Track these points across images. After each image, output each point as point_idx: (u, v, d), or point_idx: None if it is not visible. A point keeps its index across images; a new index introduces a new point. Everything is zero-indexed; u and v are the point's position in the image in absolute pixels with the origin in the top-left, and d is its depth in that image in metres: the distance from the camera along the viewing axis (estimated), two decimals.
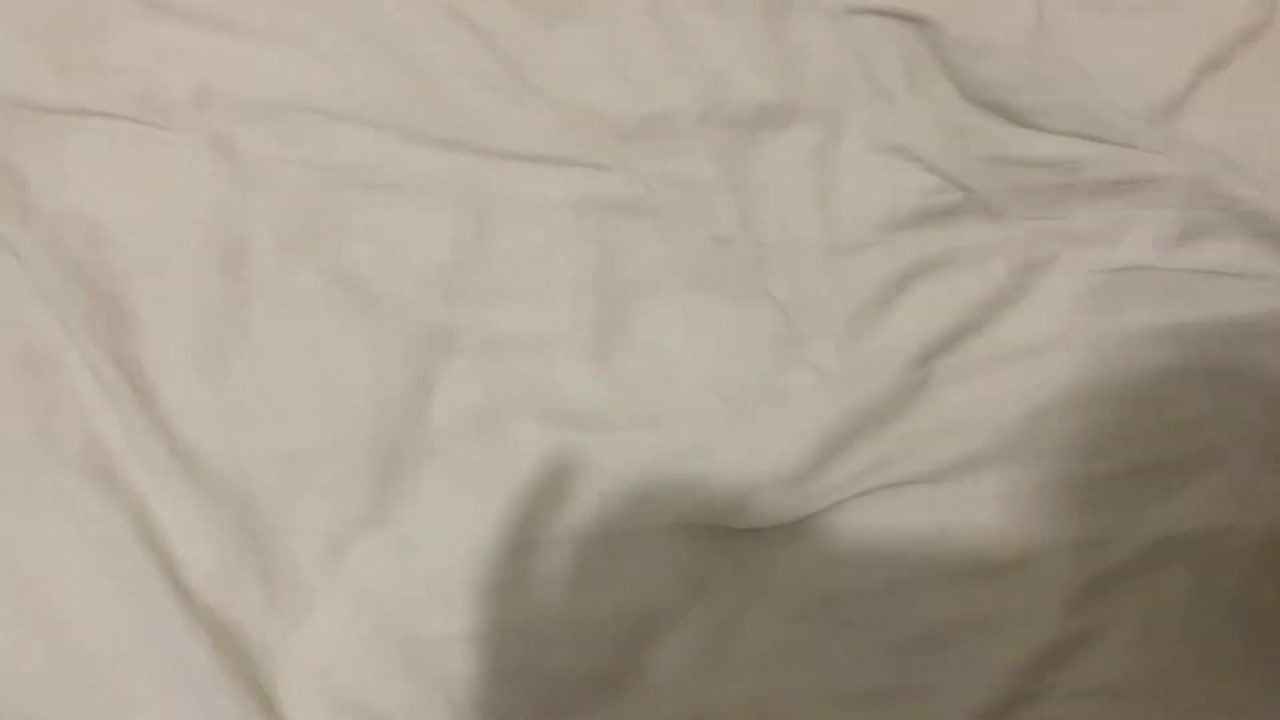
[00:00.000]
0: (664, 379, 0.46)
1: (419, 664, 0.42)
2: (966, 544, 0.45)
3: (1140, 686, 0.44)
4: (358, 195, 0.47)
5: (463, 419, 0.45)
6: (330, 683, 0.41)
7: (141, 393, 0.43)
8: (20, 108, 0.47)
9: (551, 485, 0.44)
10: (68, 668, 0.40)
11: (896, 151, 0.50)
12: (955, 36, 0.51)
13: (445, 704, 0.42)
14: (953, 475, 0.46)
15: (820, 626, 0.44)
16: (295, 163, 0.47)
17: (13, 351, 0.44)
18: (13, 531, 0.42)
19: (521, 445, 0.45)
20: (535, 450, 0.45)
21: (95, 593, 0.41)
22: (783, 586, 0.44)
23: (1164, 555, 0.45)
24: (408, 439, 0.44)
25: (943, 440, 0.46)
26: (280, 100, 0.48)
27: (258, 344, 0.45)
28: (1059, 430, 0.47)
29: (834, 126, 0.50)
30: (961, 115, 0.51)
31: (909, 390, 0.47)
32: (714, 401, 0.46)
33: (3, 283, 0.44)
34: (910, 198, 0.50)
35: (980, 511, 0.46)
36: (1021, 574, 0.45)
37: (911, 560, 0.45)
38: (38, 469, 0.42)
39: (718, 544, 0.45)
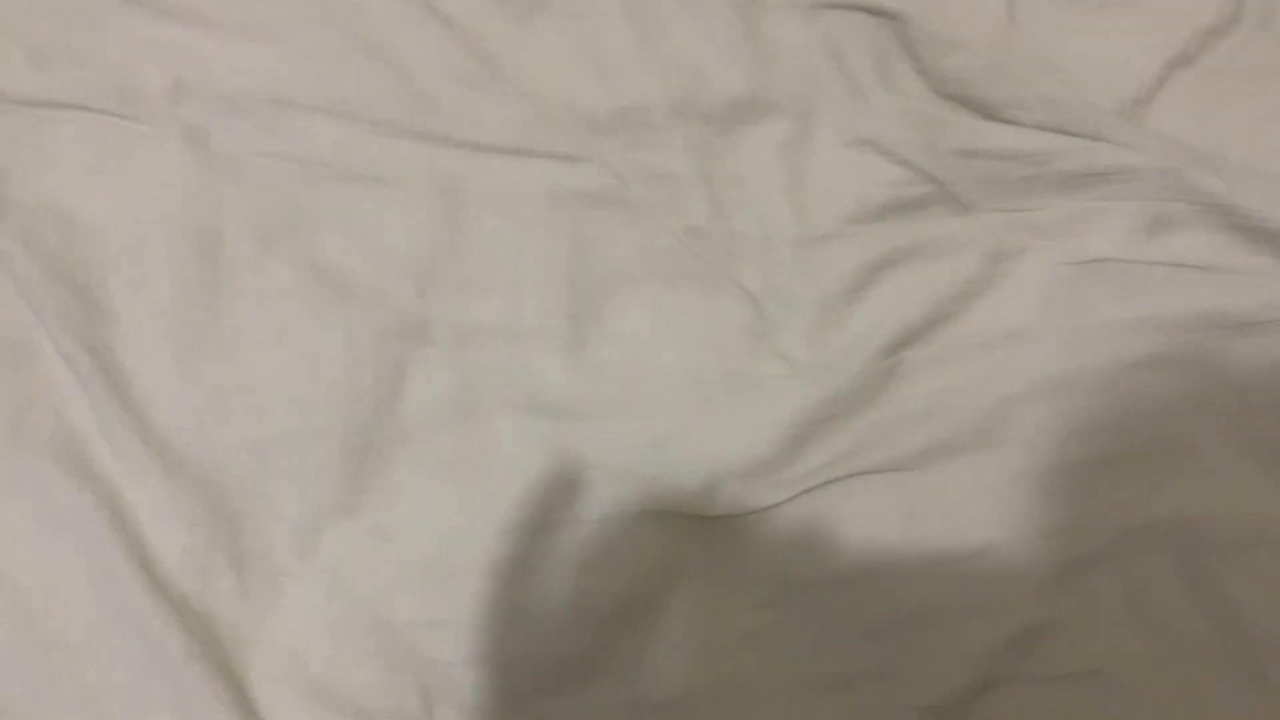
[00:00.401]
0: (636, 369, 0.47)
1: (391, 650, 0.42)
2: (937, 531, 0.45)
3: (1112, 674, 0.44)
4: (332, 187, 0.48)
5: (436, 408, 0.45)
6: (302, 668, 0.41)
7: (115, 382, 0.43)
8: None
9: (523, 473, 0.44)
10: (38, 654, 0.40)
11: (867, 144, 0.51)
12: (926, 30, 0.51)
13: (417, 690, 0.42)
14: (923, 464, 0.46)
15: (793, 613, 0.44)
16: (270, 155, 0.48)
17: None
18: None
19: (494, 434, 0.45)
20: (508, 439, 0.45)
21: (67, 580, 0.41)
22: (755, 573, 0.45)
23: (1136, 544, 0.45)
24: (381, 427, 0.44)
25: (913, 429, 0.46)
26: (255, 93, 0.48)
27: (231, 334, 0.45)
28: (1029, 420, 0.47)
29: (805, 119, 0.51)
30: (931, 108, 0.51)
31: (879, 380, 0.47)
32: (686, 391, 0.46)
33: None
34: (880, 190, 0.50)
35: (951, 499, 0.46)
36: (993, 561, 0.45)
37: (882, 547, 0.45)
38: (10, 456, 0.42)
39: (690, 531, 0.45)
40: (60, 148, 0.47)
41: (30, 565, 0.41)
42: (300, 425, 0.44)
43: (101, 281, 0.45)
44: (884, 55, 0.52)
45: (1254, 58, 0.55)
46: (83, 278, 0.45)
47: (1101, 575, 0.45)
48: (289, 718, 0.41)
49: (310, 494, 0.43)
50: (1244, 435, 0.47)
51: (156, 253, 0.46)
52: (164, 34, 0.49)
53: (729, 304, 0.48)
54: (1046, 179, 0.50)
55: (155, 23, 0.48)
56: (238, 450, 0.43)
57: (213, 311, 0.45)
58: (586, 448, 0.45)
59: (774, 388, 0.47)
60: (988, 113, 0.51)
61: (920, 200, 0.50)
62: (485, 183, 0.48)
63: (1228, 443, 0.47)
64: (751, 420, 0.46)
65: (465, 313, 0.47)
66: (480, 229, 0.48)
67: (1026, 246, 0.50)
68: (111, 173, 0.47)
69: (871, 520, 0.45)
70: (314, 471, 0.44)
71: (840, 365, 0.47)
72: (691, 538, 0.45)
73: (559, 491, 0.44)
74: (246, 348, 0.45)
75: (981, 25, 0.53)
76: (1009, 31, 0.53)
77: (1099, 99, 0.52)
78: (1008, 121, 0.51)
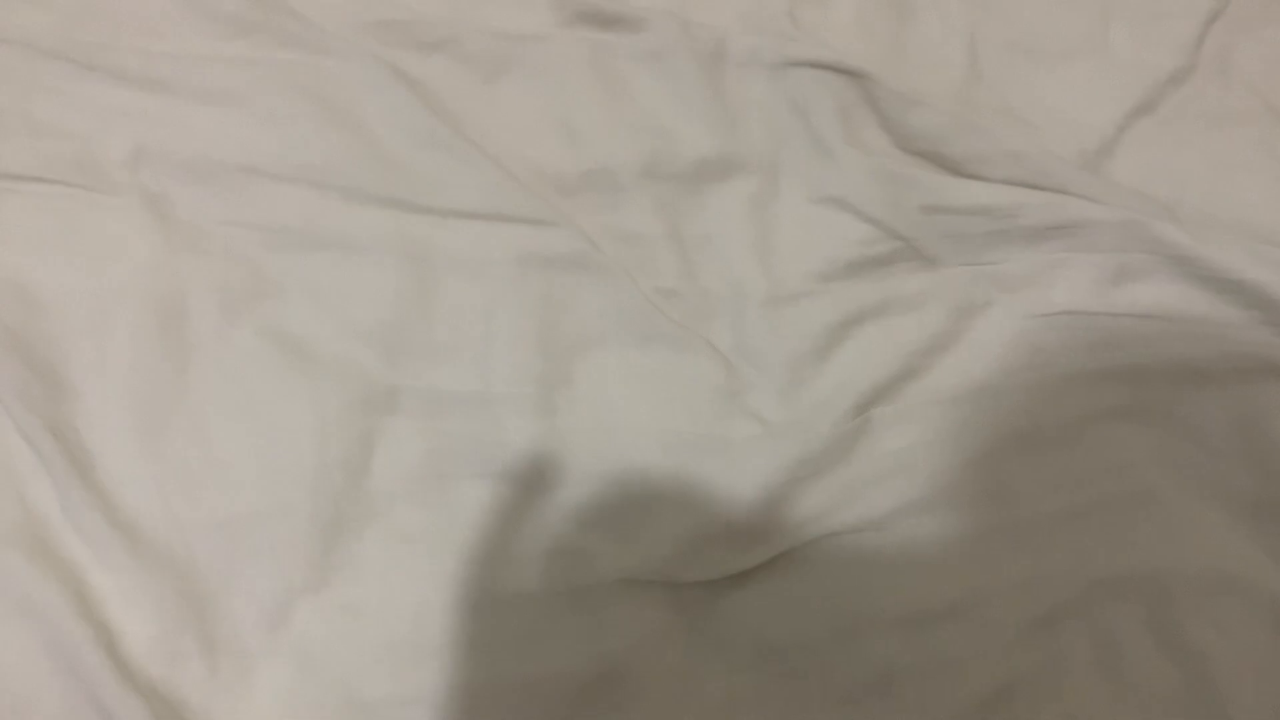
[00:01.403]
0: (608, 433, 0.47)
1: None
2: (911, 589, 0.46)
3: None
4: (297, 255, 0.47)
5: (405, 479, 0.45)
6: None
7: (79, 461, 0.43)
8: None
9: (496, 544, 0.44)
10: None
11: (833, 202, 0.51)
12: (890, 88, 0.52)
13: None
14: (894, 522, 0.46)
15: (769, 677, 0.44)
16: (234, 223, 0.47)
17: None
18: None
19: (465, 504, 0.45)
20: (479, 509, 0.45)
21: (31, 670, 0.40)
22: (731, 638, 0.45)
23: (1103, 596, 0.45)
24: (350, 502, 0.44)
25: (883, 488, 0.46)
26: (217, 160, 0.48)
27: (197, 408, 0.45)
28: (998, 474, 0.47)
29: (772, 178, 0.51)
30: (897, 165, 0.52)
31: (850, 438, 0.47)
32: (658, 454, 0.46)
33: None
34: (847, 247, 0.50)
35: (923, 556, 0.46)
36: (966, 617, 0.45)
37: (857, 607, 0.45)
38: None
39: (665, 597, 0.45)
40: (17, 220, 0.46)
41: None
42: (268, 502, 0.43)
43: (62, 358, 0.44)
44: (849, 112, 0.52)
45: (1211, 106, 0.56)
46: (43, 354, 0.44)
47: (1070, 628, 0.45)
48: None
49: (279, 572, 0.43)
50: (1208, 485, 0.48)
51: (119, 326, 0.45)
52: (124, 101, 0.48)
53: (700, 364, 0.48)
54: (1011, 233, 0.51)
55: (114, 90, 0.48)
56: (206, 529, 0.43)
57: (177, 386, 0.45)
58: (559, 516, 0.45)
59: (747, 449, 0.47)
60: (953, 168, 0.52)
61: (887, 257, 0.51)
62: (453, 248, 0.48)
63: (1192, 493, 0.48)
64: (725, 482, 0.46)
65: (434, 380, 0.46)
66: (449, 295, 0.47)
67: (992, 300, 0.50)
68: (71, 245, 0.46)
69: (845, 581, 0.45)
70: (283, 549, 0.43)
71: (811, 424, 0.47)
72: (667, 604, 0.45)
73: (532, 561, 0.44)
74: (212, 423, 0.44)
75: (945, 80, 0.54)
76: (972, 85, 0.54)
77: (1062, 150, 0.53)
78: (973, 176, 0.52)
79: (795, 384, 0.48)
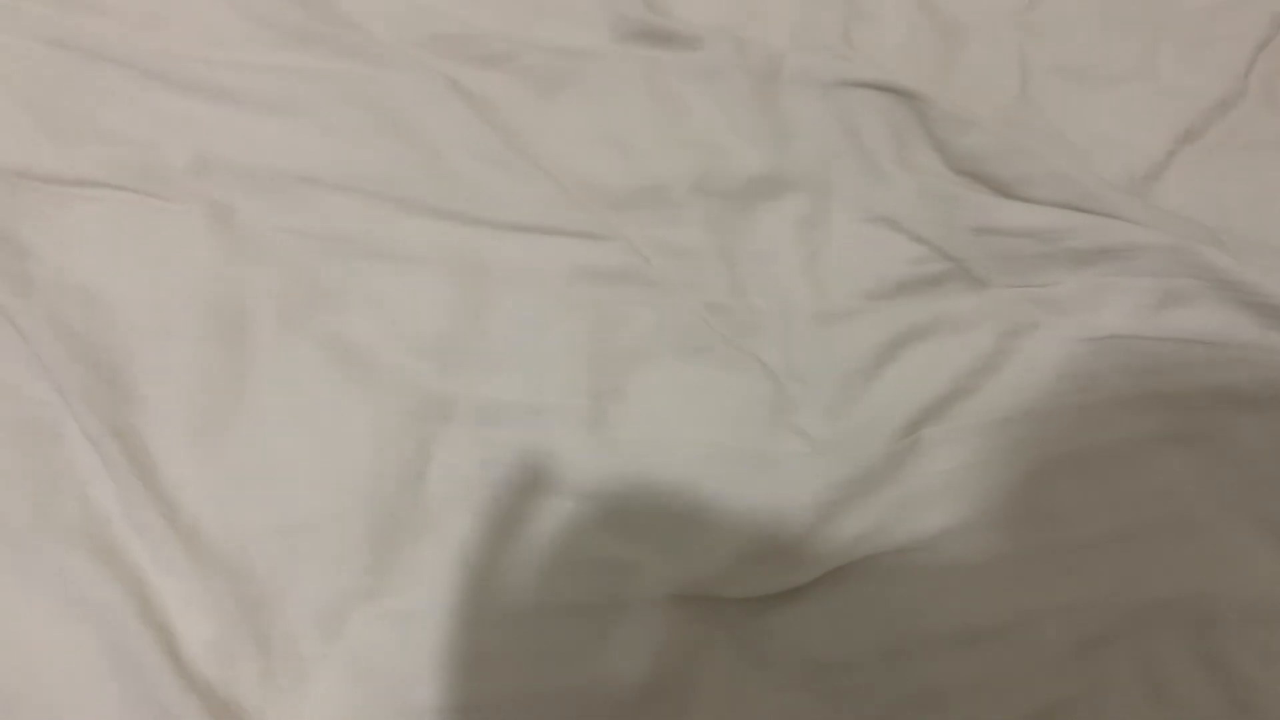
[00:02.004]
0: (658, 447, 0.47)
1: None
2: (958, 609, 0.46)
3: None
4: (355, 265, 0.48)
5: (459, 488, 0.45)
6: None
7: (140, 465, 0.43)
8: (21, 177, 0.47)
9: (545, 555, 0.44)
10: None
11: (884, 221, 0.51)
12: (941, 109, 0.52)
13: None
14: (943, 542, 0.46)
15: (815, 695, 0.44)
16: (293, 232, 0.48)
17: (12, 423, 0.44)
18: (8, 604, 0.42)
19: (517, 515, 0.45)
20: (530, 519, 0.45)
21: (91, 670, 0.41)
22: (776, 655, 0.45)
23: (1149, 621, 0.46)
24: (405, 509, 0.45)
25: (932, 508, 0.47)
26: (279, 170, 0.48)
27: (256, 415, 0.45)
28: (1046, 496, 0.47)
29: (823, 197, 0.51)
30: (947, 186, 0.52)
31: (898, 457, 0.47)
32: (707, 469, 0.47)
33: (2, 354, 0.45)
34: (897, 267, 0.51)
35: (971, 577, 0.46)
36: (1012, 637, 0.45)
37: (904, 626, 0.45)
38: (35, 541, 0.42)
39: (711, 613, 0.45)
40: (84, 225, 0.47)
41: (54, 653, 0.41)
42: (325, 508, 0.44)
43: (126, 362, 0.45)
44: (900, 133, 0.52)
45: (1259, 132, 0.56)
46: (107, 358, 0.45)
47: (1116, 652, 0.45)
48: None
49: (335, 578, 0.43)
50: (1252, 511, 0.48)
51: (181, 332, 0.46)
52: (188, 110, 0.49)
53: (749, 380, 0.48)
54: (1059, 255, 0.51)
55: (179, 99, 0.49)
56: (263, 534, 0.43)
57: (237, 392, 0.45)
58: (608, 528, 0.45)
59: (795, 466, 0.47)
60: (1002, 190, 0.52)
61: (936, 277, 0.51)
62: (508, 260, 0.49)
63: (1237, 519, 0.48)
64: (773, 500, 0.46)
65: (488, 391, 0.47)
66: (502, 306, 0.48)
67: (1040, 322, 0.51)
68: (135, 250, 0.47)
69: (893, 600, 0.46)
70: (339, 555, 0.43)
71: (860, 443, 0.48)
72: (714, 619, 0.45)
73: (579, 573, 0.45)
74: (271, 429, 0.45)
75: (995, 102, 0.54)
76: (1021, 108, 0.54)
77: (1109, 174, 0.53)
78: (1022, 198, 0.52)
79: (844, 402, 0.49)
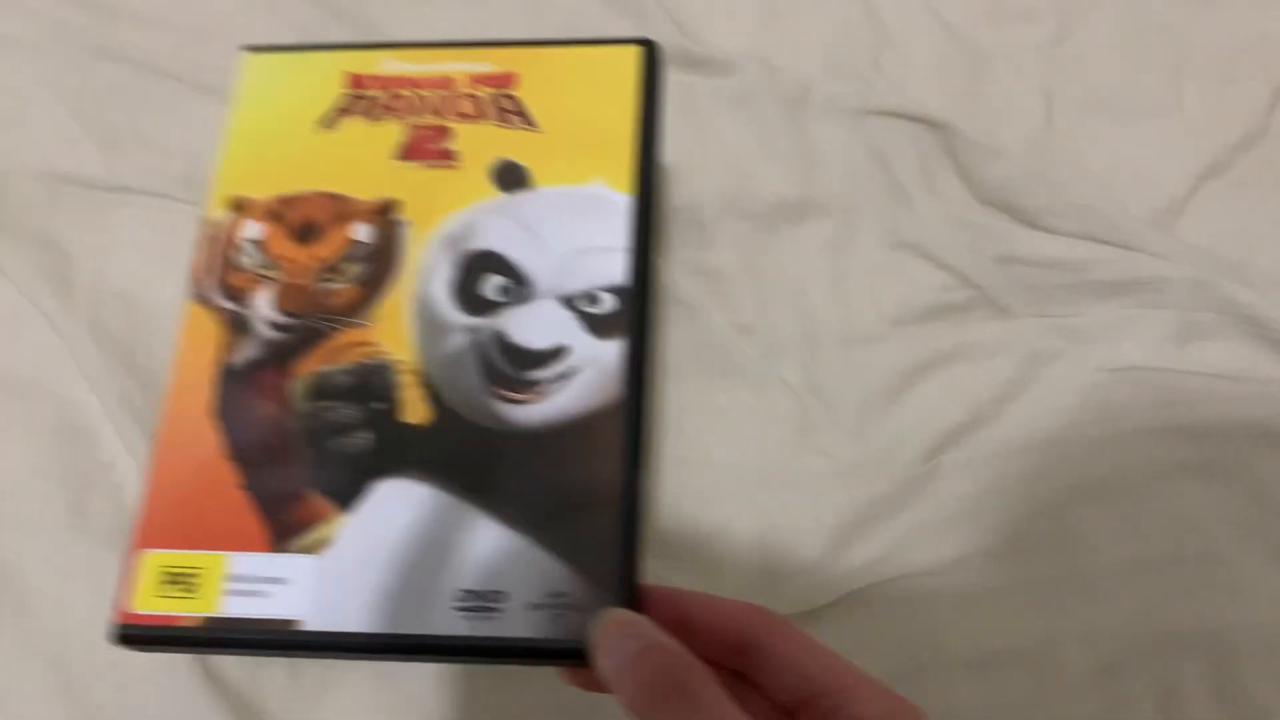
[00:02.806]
0: (684, 464, 0.48)
1: None
2: (974, 634, 0.46)
3: None
4: None
5: None
6: None
7: None
8: (65, 183, 0.48)
9: None
10: None
11: (909, 248, 0.52)
12: (968, 139, 0.53)
13: None
14: (962, 567, 0.47)
15: None
16: None
17: (50, 425, 0.45)
18: (41, 602, 0.42)
19: None
20: None
21: (122, 668, 0.41)
22: None
23: (1169, 650, 0.46)
24: None
25: (952, 532, 0.47)
26: None
27: None
28: (1066, 525, 0.48)
29: (850, 222, 0.52)
30: (973, 215, 0.53)
31: (919, 482, 0.48)
32: (732, 487, 0.47)
33: (42, 357, 0.45)
34: (922, 293, 0.51)
35: (989, 602, 0.47)
36: (1030, 664, 0.46)
37: (921, 650, 0.46)
38: (68, 540, 0.43)
39: None
40: (125, 231, 0.48)
41: (88, 653, 0.42)
42: None
43: (163, 367, 0.45)
44: (927, 161, 0.53)
45: None
46: (146, 363, 0.46)
47: (1133, 681, 0.46)
48: None
49: None
50: (1272, 544, 0.48)
51: None
52: None
53: (774, 401, 0.49)
54: (1083, 286, 0.52)
55: (224, 110, 0.49)
56: None
57: None
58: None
59: (818, 486, 0.48)
60: (1027, 220, 0.53)
61: (960, 304, 0.51)
62: None
63: (1258, 552, 0.48)
64: (795, 520, 0.47)
65: None
66: None
67: (1062, 352, 0.51)
68: (175, 257, 0.47)
69: (910, 624, 0.46)
70: None
71: (881, 466, 0.48)
72: None
73: None
74: None
75: (1020, 133, 0.55)
76: (1046, 139, 0.55)
77: (1133, 207, 0.54)
78: (1046, 229, 0.53)
79: (865, 425, 0.49)
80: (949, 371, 0.50)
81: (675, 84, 0.53)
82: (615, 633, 0.27)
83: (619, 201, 0.35)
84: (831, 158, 0.53)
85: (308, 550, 0.31)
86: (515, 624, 0.29)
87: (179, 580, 0.30)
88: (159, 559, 0.31)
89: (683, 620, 0.30)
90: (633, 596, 0.30)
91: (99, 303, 0.46)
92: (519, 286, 0.34)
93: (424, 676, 0.43)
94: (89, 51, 0.51)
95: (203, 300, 0.35)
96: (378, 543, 0.31)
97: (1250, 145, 0.57)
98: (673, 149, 0.52)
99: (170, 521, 0.31)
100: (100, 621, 0.41)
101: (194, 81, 0.50)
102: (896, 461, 0.48)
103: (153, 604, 0.30)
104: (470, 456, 0.32)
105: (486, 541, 0.30)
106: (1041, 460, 0.49)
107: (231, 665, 0.42)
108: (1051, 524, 0.48)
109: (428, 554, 0.30)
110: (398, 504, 0.31)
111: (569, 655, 0.29)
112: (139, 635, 0.30)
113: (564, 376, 0.33)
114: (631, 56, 0.38)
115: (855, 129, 0.53)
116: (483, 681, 0.43)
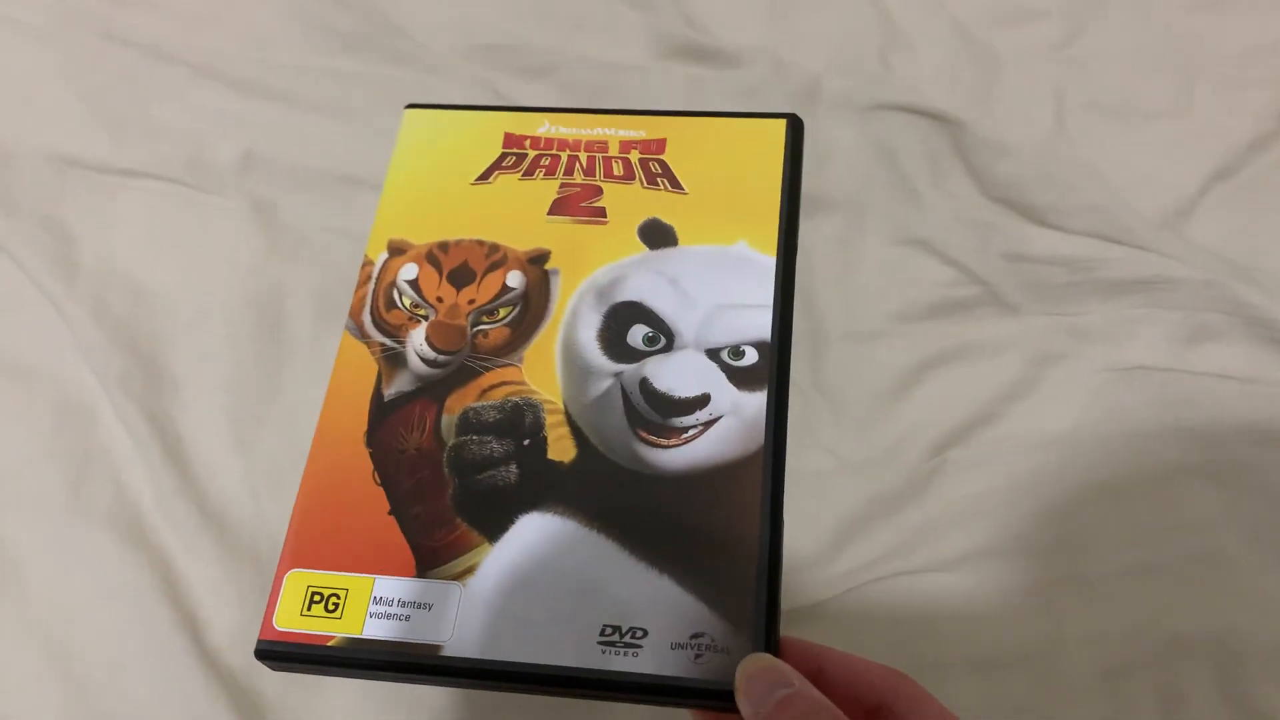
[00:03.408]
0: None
1: None
2: (976, 634, 0.46)
3: None
4: None
5: None
6: None
7: (173, 451, 0.44)
8: (72, 165, 0.48)
9: None
10: None
11: (917, 244, 0.52)
12: (978, 136, 0.53)
13: None
14: (964, 566, 0.46)
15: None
16: (334, 230, 0.49)
17: (50, 405, 0.44)
18: (40, 583, 0.42)
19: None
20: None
21: (119, 649, 0.41)
22: None
23: (1174, 653, 0.45)
24: None
25: (956, 531, 0.47)
26: (322, 169, 0.49)
27: (288, 407, 0.46)
28: (1071, 525, 0.47)
29: (858, 218, 0.52)
30: (981, 212, 0.52)
31: (924, 479, 0.47)
32: None
33: (44, 337, 0.45)
34: (929, 290, 0.51)
35: (992, 602, 0.46)
36: (1033, 665, 0.45)
37: (923, 649, 0.45)
38: (67, 522, 0.43)
39: None
40: (130, 215, 0.48)
41: (83, 632, 0.41)
42: None
43: (164, 351, 0.46)
44: (936, 157, 0.53)
45: None
46: (146, 344, 0.45)
47: (1138, 684, 0.45)
48: None
49: None
50: (1279, 548, 0.47)
51: (219, 324, 0.46)
52: (236, 107, 0.50)
53: None
54: (1091, 285, 0.51)
55: (229, 97, 0.50)
56: None
57: (271, 384, 0.46)
58: None
59: (821, 483, 0.47)
60: (1036, 218, 0.52)
61: (967, 301, 0.51)
62: None
63: (1265, 555, 0.47)
64: (799, 515, 0.46)
65: None
66: None
67: (1069, 351, 0.51)
68: (179, 242, 0.48)
69: (913, 622, 0.45)
70: None
71: (885, 463, 0.48)
72: None
73: None
74: (302, 422, 0.45)
75: (1031, 132, 0.54)
76: (1057, 140, 0.55)
77: (1143, 208, 0.53)
78: (1055, 227, 0.52)
79: (870, 422, 0.49)
80: (955, 369, 0.50)
81: (684, 76, 0.54)
82: (761, 679, 0.28)
83: (762, 261, 0.37)
84: (840, 153, 0.52)
85: (453, 578, 0.31)
86: (655, 662, 0.30)
87: (324, 600, 0.31)
88: (305, 578, 0.31)
89: (818, 674, 0.30)
90: (774, 644, 0.31)
91: (102, 285, 0.46)
92: (665, 337, 0.35)
93: None
94: (97, 36, 0.51)
95: (359, 333, 0.36)
96: (522, 573, 0.31)
97: (1260, 148, 0.56)
98: None
99: (318, 542, 0.32)
100: (97, 601, 0.42)
101: (201, 67, 0.50)
102: (901, 459, 0.48)
103: (296, 622, 0.31)
104: (614, 495, 0.33)
105: (629, 578, 0.31)
106: (1047, 460, 0.48)
107: (227, 650, 0.42)
108: (1056, 524, 0.47)
109: (571, 587, 0.31)
110: (542, 536, 0.32)
111: (709, 696, 0.30)
112: (281, 652, 0.31)
113: (705, 424, 0.34)
114: (776, 129, 0.40)
115: (864, 125, 0.53)
116: None
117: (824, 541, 0.46)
